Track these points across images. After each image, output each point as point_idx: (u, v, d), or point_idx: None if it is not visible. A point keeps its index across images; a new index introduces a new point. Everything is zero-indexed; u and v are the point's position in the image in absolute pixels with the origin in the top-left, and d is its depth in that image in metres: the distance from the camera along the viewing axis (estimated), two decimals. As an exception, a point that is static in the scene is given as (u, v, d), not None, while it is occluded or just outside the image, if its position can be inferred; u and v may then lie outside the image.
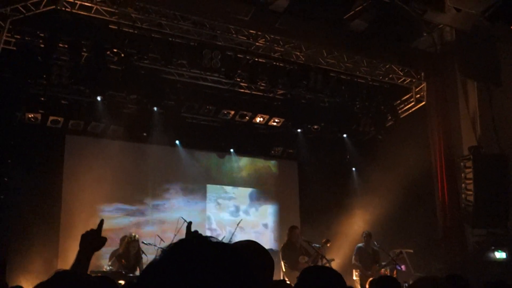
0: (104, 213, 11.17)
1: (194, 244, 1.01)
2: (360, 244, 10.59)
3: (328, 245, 10.04)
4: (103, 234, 2.66)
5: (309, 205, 13.17)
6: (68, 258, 9.00)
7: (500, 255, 10.90)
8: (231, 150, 12.83)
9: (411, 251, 10.90)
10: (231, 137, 12.52)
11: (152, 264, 0.99)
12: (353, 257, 10.49)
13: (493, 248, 10.94)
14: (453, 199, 11.47)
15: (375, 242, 10.65)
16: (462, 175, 11.13)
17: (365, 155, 12.93)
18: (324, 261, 9.60)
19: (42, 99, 10.63)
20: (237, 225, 10.99)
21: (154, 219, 11.85)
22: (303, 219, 12.87)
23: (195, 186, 12.53)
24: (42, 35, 9.54)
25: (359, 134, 12.92)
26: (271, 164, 13.54)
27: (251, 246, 2.22)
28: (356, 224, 12.08)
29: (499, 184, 10.94)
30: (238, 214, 12.70)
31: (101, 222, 2.69)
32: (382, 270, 10.28)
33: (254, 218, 13.05)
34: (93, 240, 2.61)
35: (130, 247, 9.28)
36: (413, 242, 11.23)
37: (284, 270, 9.68)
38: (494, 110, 11.27)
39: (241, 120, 12.23)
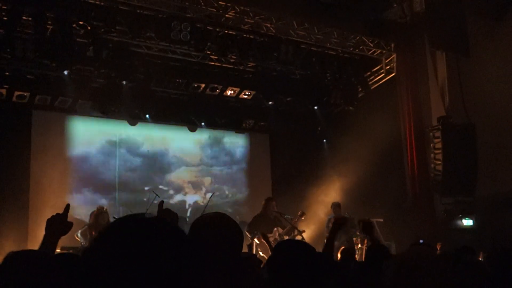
0: (75, 195, 10.99)
1: (128, 222, 1.06)
2: (330, 215, 10.63)
3: (303, 218, 10.07)
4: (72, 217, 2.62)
5: (281, 177, 13.13)
6: (38, 238, 8.72)
7: (467, 222, 11.17)
8: (202, 123, 12.68)
9: (381, 220, 10.97)
10: (202, 111, 12.36)
11: (93, 241, 1.05)
12: (325, 228, 10.57)
13: (460, 216, 11.19)
14: (422, 169, 11.61)
15: (347, 212, 10.63)
16: (431, 145, 11.22)
17: (336, 127, 12.90)
18: (296, 232, 9.63)
19: (7, 73, 10.34)
20: (210, 198, 10.97)
21: (124, 198, 11.75)
22: (275, 191, 12.83)
23: (167, 161, 12.43)
24: (5, 7, 9.22)
25: (330, 106, 12.94)
26: (243, 137, 13.53)
27: (218, 218, 2.15)
28: (328, 195, 12.06)
29: (467, 153, 11.07)
30: (210, 188, 12.69)
31: (67, 206, 2.66)
32: (354, 239, 10.39)
33: (226, 192, 13.07)
34: (59, 224, 2.57)
35: (99, 219, 9.24)
36: (383, 211, 11.36)
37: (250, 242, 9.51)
38: (462, 80, 11.31)
39: (212, 93, 12.07)
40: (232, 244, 2.06)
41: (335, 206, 10.63)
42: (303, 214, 9.99)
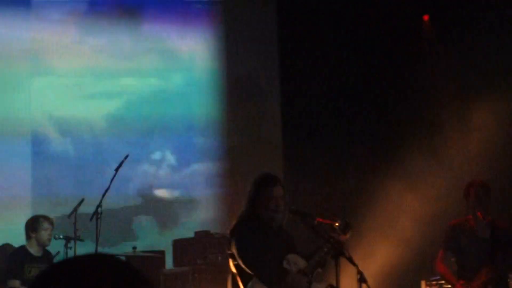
0: None
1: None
2: (455, 221, 5.93)
3: (348, 235, 5.00)
4: None
5: (306, 120, 7.41)
6: None
7: None
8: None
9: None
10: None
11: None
12: (441, 250, 5.73)
13: None
14: None
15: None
16: None
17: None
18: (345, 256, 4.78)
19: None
20: (119, 166, 6.27)
21: None
22: (289, 157, 7.32)
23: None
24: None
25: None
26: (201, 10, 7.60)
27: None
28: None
29: None
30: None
31: None
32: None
33: (171, 155, 7.48)
34: None
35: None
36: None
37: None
38: None
39: None
40: None
41: (478, 186, 5.70)
42: (347, 226, 5.06)
